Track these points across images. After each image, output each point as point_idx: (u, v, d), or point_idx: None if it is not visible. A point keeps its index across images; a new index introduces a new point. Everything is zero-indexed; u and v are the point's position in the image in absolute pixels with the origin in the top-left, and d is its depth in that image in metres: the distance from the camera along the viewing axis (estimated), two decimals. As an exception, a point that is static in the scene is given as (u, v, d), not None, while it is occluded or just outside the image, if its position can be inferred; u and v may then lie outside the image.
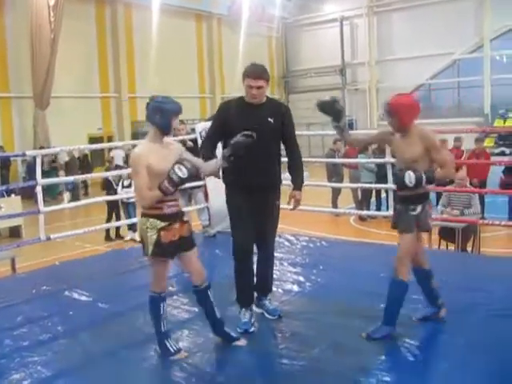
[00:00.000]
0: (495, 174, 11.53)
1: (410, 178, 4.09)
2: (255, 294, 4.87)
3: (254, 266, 4.81)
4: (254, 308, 4.83)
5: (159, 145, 4.00)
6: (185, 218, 4.17)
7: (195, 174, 4.03)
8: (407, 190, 4.18)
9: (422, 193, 4.28)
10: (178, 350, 4.12)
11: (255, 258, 4.83)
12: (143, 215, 3.99)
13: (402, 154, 4.32)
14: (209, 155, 4.52)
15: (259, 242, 4.77)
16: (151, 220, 3.93)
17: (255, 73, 4.49)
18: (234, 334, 4.36)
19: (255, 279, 4.87)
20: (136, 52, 25.97)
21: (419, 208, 4.24)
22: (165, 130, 3.98)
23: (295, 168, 4.78)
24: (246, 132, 4.19)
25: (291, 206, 4.73)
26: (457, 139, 12.41)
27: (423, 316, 4.59)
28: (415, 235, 4.33)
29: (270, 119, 4.53)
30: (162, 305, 4.12)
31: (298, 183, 4.75)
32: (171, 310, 5.01)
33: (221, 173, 4.51)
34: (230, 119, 4.55)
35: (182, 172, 3.85)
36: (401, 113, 4.21)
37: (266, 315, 4.79)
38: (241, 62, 27.99)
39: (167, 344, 4.12)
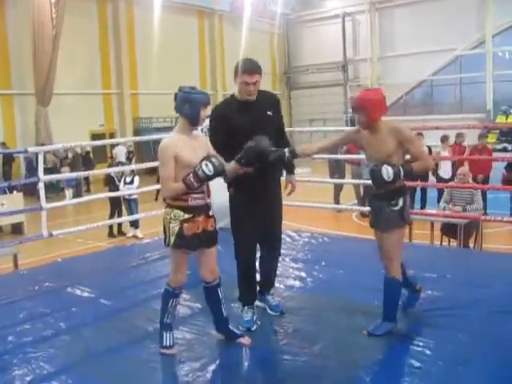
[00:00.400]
0: (498, 170, 11.52)
1: (387, 172, 3.99)
2: (257, 289, 4.86)
3: (257, 262, 4.80)
4: (257, 302, 4.82)
5: (188, 136, 3.98)
6: (211, 213, 4.13)
7: (222, 172, 3.97)
8: (385, 185, 4.10)
9: (400, 186, 4.22)
10: (171, 346, 4.13)
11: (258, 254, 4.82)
12: (168, 206, 3.98)
13: (374, 151, 4.22)
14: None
15: (268, 239, 4.71)
16: (175, 211, 3.93)
17: (251, 68, 4.35)
18: (238, 332, 4.35)
19: (259, 274, 4.86)
20: (138, 49, 25.97)
21: (401, 202, 4.18)
22: (193, 120, 3.96)
23: None
24: (258, 137, 4.12)
25: (287, 192, 4.71)
26: (459, 135, 12.42)
27: (411, 305, 4.62)
28: (402, 230, 4.32)
29: (269, 112, 4.46)
30: (172, 300, 4.12)
31: (290, 168, 4.71)
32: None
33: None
34: (230, 122, 4.43)
35: (208, 168, 3.81)
36: (368, 108, 4.11)
37: (269, 311, 4.78)
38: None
39: (164, 336, 4.13)
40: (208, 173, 3.81)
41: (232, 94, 4.59)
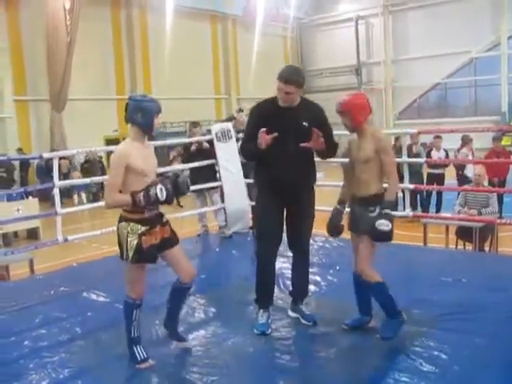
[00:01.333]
0: (513, 173, 11.45)
1: (383, 224, 4.03)
2: (291, 299, 4.86)
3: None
4: (290, 313, 4.82)
5: (141, 144, 3.96)
6: (164, 219, 4.11)
7: (171, 201, 3.97)
8: (389, 233, 4.08)
9: (380, 194, 4.24)
10: (145, 359, 4.04)
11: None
12: (124, 219, 3.93)
13: (358, 153, 4.28)
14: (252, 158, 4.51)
15: (294, 243, 4.72)
16: (132, 224, 3.88)
17: (286, 77, 4.32)
18: (183, 335, 4.40)
19: (292, 283, 4.88)
20: (151, 54, 26.04)
21: (378, 209, 4.16)
22: (147, 129, 3.94)
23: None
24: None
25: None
26: (465, 137, 12.42)
27: (353, 325, 4.50)
28: None
29: (304, 123, 4.39)
30: (134, 311, 4.05)
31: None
32: (188, 310, 5.03)
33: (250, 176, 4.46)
34: (264, 123, 4.39)
35: (161, 194, 3.82)
36: (352, 112, 4.21)
37: (302, 321, 4.71)
38: (256, 63, 28.00)
39: (135, 350, 4.06)
40: (160, 197, 3.81)
41: (275, 96, 4.51)
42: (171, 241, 4.10)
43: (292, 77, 4.35)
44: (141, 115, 3.88)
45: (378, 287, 4.21)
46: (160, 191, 3.80)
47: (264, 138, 4.28)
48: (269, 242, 4.58)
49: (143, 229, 3.88)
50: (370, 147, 4.19)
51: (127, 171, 3.82)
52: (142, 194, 3.78)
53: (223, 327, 4.63)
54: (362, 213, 4.25)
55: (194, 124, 8.98)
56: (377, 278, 4.21)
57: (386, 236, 4.10)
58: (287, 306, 4.91)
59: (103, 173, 18.26)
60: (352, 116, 4.23)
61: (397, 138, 13.59)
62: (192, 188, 8.38)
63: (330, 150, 4.60)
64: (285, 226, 4.69)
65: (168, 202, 3.92)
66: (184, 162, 8.42)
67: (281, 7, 31.28)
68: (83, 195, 18.19)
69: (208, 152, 8.17)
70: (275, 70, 4.42)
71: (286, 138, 4.33)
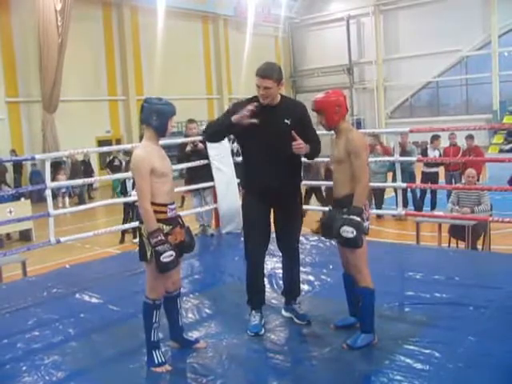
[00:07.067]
0: (507, 171, 11.44)
1: (346, 231, 3.93)
2: (284, 299, 4.85)
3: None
4: (283, 312, 4.81)
5: (156, 146, 3.99)
6: (181, 222, 4.11)
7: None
8: (355, 239, 3.97)
9: (352, 195, 4.07)
10: (163, 363, 3.98)
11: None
12: None
13: (333, 153, 4.22)
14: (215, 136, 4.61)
15: (283, 242, 4.71)
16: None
17: (262, 72, 4.29)
18: (192, 339, 4.34)
19: (283, 283, 4.87)
20: (143, 54, 26.02)
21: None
22: (161, 131, 3.97)
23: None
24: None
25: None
26: (452, 135, 12.46)
27: (342, 325, 4.46)
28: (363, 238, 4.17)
29: (286, 120, 4.35)
30: (155, 313, 3.98)
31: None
32: (182, 310, 5.01)
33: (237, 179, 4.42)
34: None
35: (167, 258, 3.79)
36: (327, 111, 4.13)
37: (296, 320, 4.68)
38: (248, 63, 28.00)
39: (154, 354, 3.99)
40: (162, 259, 3.79)
41: (256, 96, 4.48)
42: (184, 249, 4.07)
43: (268, 71, 4.32)
44: (155, 118, 3.92)
45: (366, 293, 4.12)
46: (169, 256, 3.78)
47: (242, 116, 4.26)
48: (256, 243, 4.55)
49: (167, 228, 3.88)
50: (342, 148, 4.10)
51: (151, 175, 3.81)
52: (160, 239, 3.76)
53: (217, 327, 4.62)
54: (337, 215, 4.11)
55: (190, 120, 8.97)
56: (369, 285, 4.14)
57: (352, 243, 3.98)
58: (281, 305, 4.90)
59: (90, 175, 18.26)
60: (326, 115, 4.15)
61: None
62: (188, 188, 8.51)
63: (314, 150, 4.56)
64: (273, 226, 4.67)
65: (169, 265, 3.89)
66: (179, 161, 8.43)
67: (272, 7, 31.30)
68: (67, 200, 18.10)
69: (203, 152, 8.17)
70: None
71: (269, 136, 4.30)
